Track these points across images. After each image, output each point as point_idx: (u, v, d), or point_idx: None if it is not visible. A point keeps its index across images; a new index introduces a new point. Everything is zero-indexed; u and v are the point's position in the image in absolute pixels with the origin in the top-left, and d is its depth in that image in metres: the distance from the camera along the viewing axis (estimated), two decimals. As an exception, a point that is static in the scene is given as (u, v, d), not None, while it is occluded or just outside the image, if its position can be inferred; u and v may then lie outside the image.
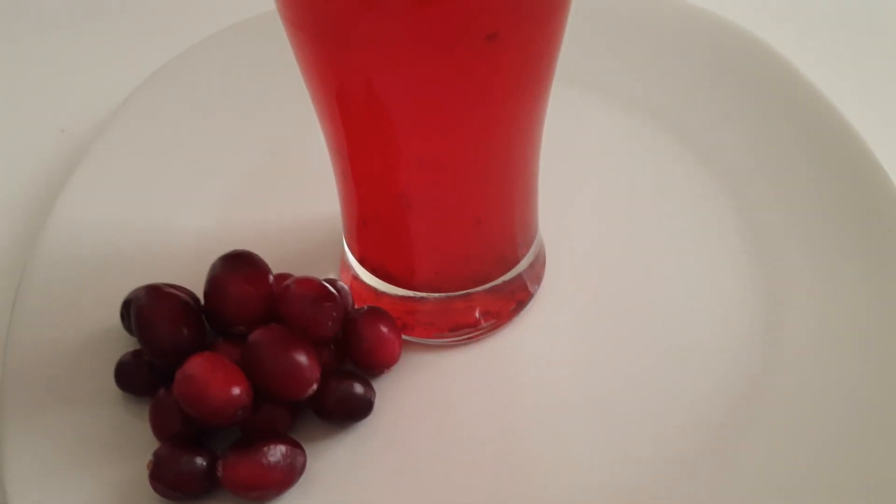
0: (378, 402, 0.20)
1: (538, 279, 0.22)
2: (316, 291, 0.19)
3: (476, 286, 0.20)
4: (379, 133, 0.17)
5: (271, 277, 0.20)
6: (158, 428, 0.18)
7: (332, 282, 0.21)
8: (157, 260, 0.23)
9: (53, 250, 0.23)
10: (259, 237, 0.24)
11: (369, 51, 0.15)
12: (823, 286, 0.22)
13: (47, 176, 0.30)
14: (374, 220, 0.20)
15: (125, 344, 0.21)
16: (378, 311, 0.20)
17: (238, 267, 0.20)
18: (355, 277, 0.22)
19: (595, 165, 0.26)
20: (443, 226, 0.19)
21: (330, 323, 0.19)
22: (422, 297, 0.21)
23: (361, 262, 0.21)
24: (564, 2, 0.16)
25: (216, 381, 0.17)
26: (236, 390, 0.17)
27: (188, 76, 0.29)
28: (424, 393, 0.20)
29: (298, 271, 0.22)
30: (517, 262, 0.21)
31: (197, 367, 0.17)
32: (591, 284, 0.23)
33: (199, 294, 0.21)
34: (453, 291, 0.20)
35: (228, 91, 0.29)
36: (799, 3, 0.35)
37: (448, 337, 0.21)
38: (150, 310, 0.19)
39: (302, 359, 0.18)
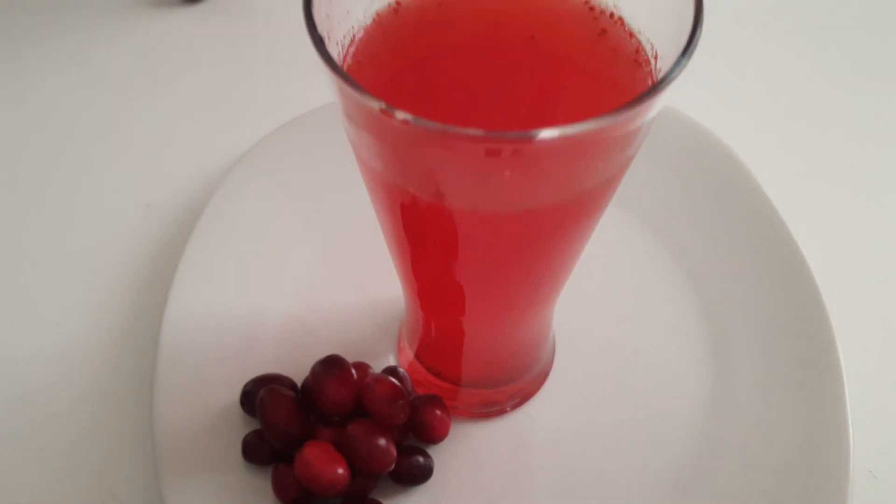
0: (435, 466, 0.27)
1: (551, 363, 0.29)
2: (391, 393, 0.26)
3: (508, 382, 0.27)
4: (445, 286, 0.23)
5: (353, 371, 0.27)
6: (280, 494, 0.25)
7: (394, 370, 0.28)
8: (257, 343, 0.30)
9: (174, 340, 0.29)
10: (333, 319, 0.31)
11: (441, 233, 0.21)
12: (765, 365, 0.29)
13: (137, 252, 0.34)
14: (434, 339, 0.27)
15: (245, 422, 0.27)
16: (434, 398, 0.27)
17: (331, 370, 0.26)
18: (411, 364, 0.29)
19: (588, 263, 0.32)
20: (490, 348, 0.26)
21: (402, 415, 0.26)
22: (466, 390, 0.28)
23: (417, 357, 0.28)
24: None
25: (327, 466, 0.24)
26: (341, 471, 0.24)
27: (272, 161, 0.34)
28: (469, 456, 0.27)
29: (365, 350, 0.30)
30: (540, 360, 0.28)
31: (313, 455, 0.24)
32: (591, 364, 0.30)
33: (293, 375, 0.28)
34: (490, 387, 0.27)
35: (310, 175, 0.34)
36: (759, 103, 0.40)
37: (484, 412, 0.28)
38: (270, 408, 0.25)
39: (384, 444, 0.25)
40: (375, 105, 0.15)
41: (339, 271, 0.32)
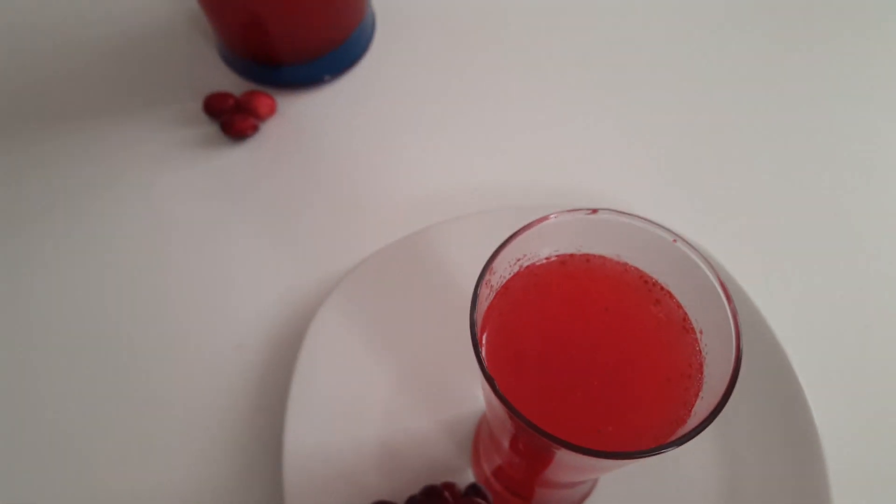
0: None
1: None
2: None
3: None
4: (531, 466, 0.31)
5: (447, 494, 0.34)
6: None
7: (479, 489, 0.35)
8: (360, 469, 0.36)
9: (296, 477, 0.35)
10: (418, 439, 0.38)
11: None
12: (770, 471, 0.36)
13: (232, 393, 0.38)
14: (513, 475, 0.34)
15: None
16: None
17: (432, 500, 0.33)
18: (488, 480, 0.36)
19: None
20: (559, 490, 0.33)
21: (493, 533, 0.33)
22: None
23: (494, 476, 0.36)
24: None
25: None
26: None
27: (353, 298, 0.38)
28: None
29: (447, 464, 0.37)
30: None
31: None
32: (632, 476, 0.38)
33: (393, 497, 0.35)
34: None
35: (388, 306, 0.39)
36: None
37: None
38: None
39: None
40: (503, 407, 0.21)
41: (418, 394, 0.39)
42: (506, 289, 0.26)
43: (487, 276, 0.24)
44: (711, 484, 0.35)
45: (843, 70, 0.53)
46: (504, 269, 0.25)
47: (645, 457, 0.21)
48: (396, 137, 0.48)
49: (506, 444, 0.29)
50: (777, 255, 0.44)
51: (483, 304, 0.24)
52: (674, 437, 0.21)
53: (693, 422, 0.22)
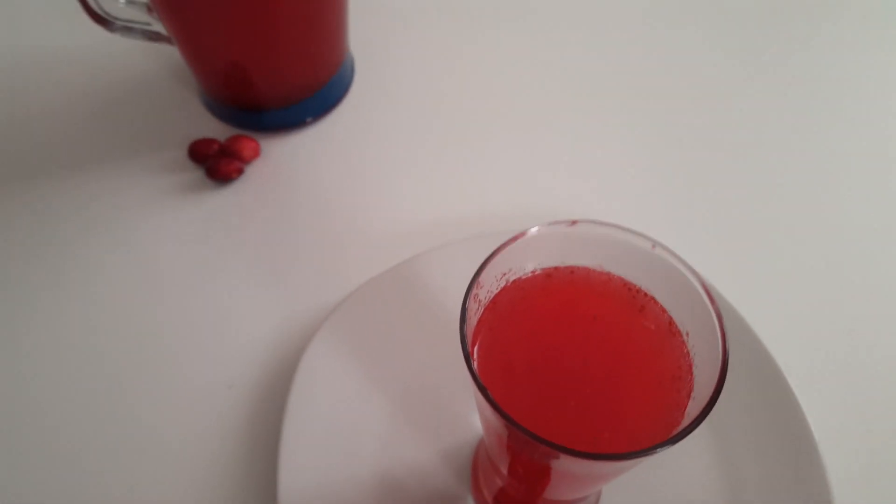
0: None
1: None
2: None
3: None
4: (532, 481, 0.31)
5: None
6: None
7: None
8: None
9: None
10: (415, 469, 0.38)
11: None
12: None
13: (225, 435, 0.38)
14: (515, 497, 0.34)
15: (368, 578, 0.34)
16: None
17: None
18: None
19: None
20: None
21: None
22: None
23: (497, 500, 0.35)
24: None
25: None
26: None
27: (341, 334, 0.38)
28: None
29: (446, 494, 0.37)
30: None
31: None
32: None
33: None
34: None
35: (378, 338, 0.39)
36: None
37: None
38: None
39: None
40: (500, 419, 0.22)
41: (413, 424, 0.39)
42: (494, 304, 0.26)
43: (475, 290, 0.24)
44: (712, 495, 0.35)
45: (823, 80, 0.55)
46: (491, 284, 0.26)
47: (643, 457, 0.21)
48: (378, 175, 0.49)
49: (505, 463, 0.29)
50: (751, 259, 0.45)
51: (472, 319, 0.24)
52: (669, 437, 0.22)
53: (687, 423, 0.23)
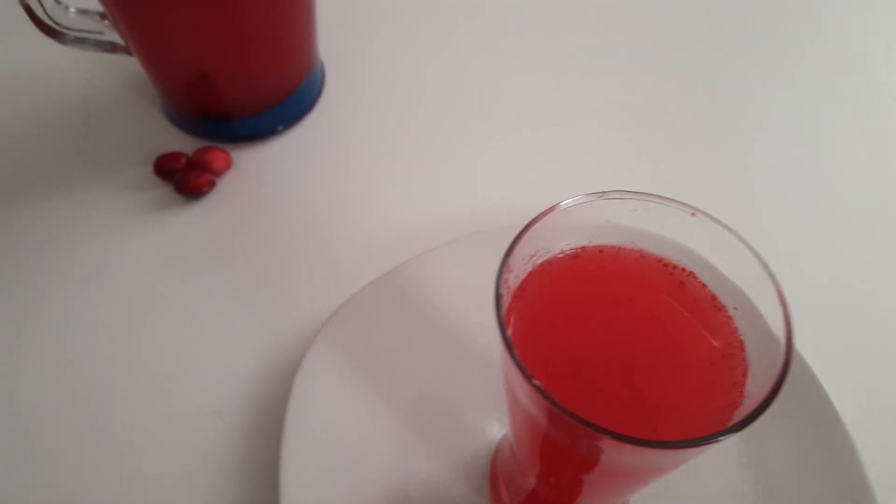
0: None
1: None
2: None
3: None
4: (562, 481, 0.28)
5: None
6: None
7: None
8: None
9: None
10: (431, 484, 0.35)
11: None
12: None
13: (219, 465, 0.35)
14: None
15: None
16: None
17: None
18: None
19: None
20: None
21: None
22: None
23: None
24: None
25: None
26: None
27: (341, 347, 0.36)
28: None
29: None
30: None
31: None
32: None
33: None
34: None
35: (374, 353, 0.36)
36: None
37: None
38: None
39: None
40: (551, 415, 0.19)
41: (420, 438, 0.36)
42: (522, 290, 0.24)
43: (505, 275, 0.22)
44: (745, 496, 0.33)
45: (824, 65, 0.54)
46: (519, 269, 0.23)
47: (729, 435, 0.18)
48: (356, 180, 0.47)
49: (537, 468, 0.27)
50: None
51: (503, 307, 0.22)
52: (735, 419, 0.19)
53: (749, 401, 0.21)
